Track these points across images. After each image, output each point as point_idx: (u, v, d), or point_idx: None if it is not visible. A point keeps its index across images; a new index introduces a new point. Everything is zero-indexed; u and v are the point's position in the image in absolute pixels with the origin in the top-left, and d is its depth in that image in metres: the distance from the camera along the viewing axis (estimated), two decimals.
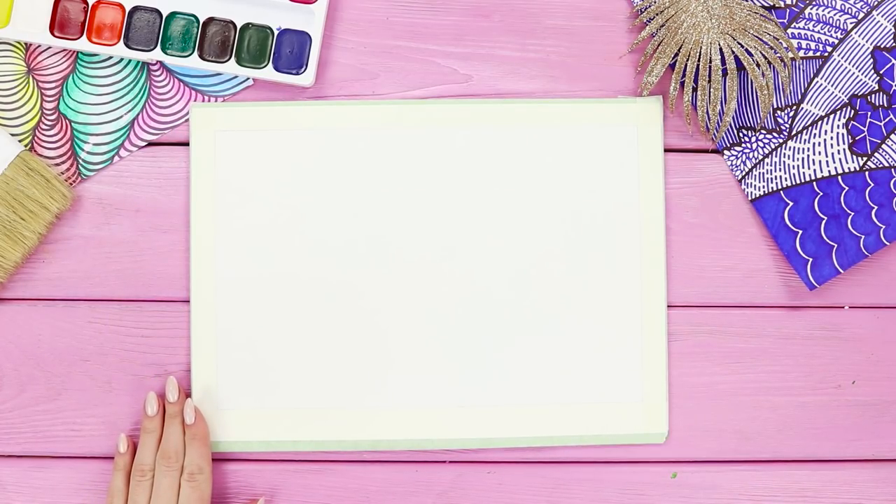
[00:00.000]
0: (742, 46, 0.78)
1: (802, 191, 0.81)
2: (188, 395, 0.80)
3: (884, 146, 0.81)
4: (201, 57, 0.80)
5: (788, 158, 0.81)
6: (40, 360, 0.80)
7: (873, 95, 0.81)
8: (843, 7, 0.82)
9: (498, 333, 0.80)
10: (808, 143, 0.81)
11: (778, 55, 0.79)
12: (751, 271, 0.82)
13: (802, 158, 0.81)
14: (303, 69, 0.80)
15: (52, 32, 0.80)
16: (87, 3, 0.80)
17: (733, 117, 0.82)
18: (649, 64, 0.79)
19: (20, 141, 0.80)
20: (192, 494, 0.76)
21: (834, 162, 0.81)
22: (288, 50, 0.80)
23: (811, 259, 0.80)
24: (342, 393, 0.80)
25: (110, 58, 0.81)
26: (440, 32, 0.82)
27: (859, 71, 0.81)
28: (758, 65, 0.78)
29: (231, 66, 0.80)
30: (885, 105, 0.81)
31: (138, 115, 0.81)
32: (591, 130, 0.81)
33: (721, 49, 0.78)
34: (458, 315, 0.80)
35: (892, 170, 0.81)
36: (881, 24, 0.81)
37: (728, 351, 0.82)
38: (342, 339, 0.80)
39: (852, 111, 0.81)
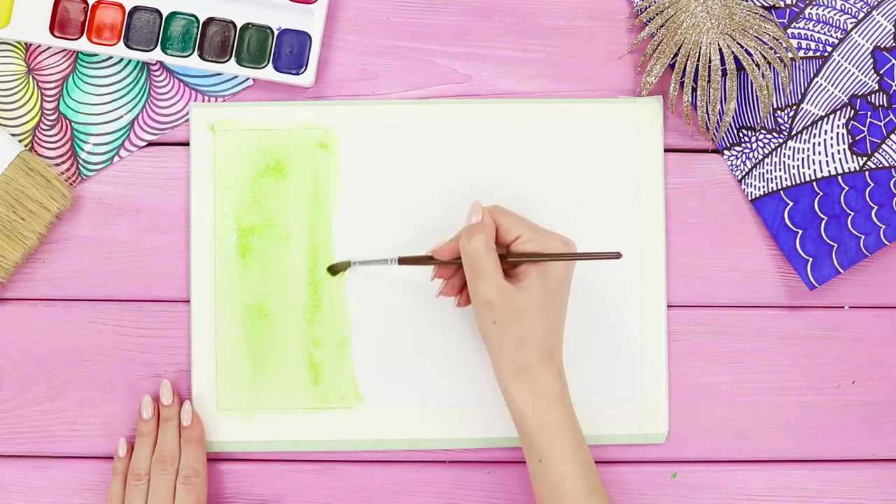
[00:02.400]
0: (742, 47, 0.78)
1: (802, 191, 0.81)
2: (187, 396, 0.80)
3: (884, 146, 0.81)
4: (201, 57, 0.80)
5: (788, 158, 0.81)
6: (40, 360, 0.80)
7: (873, 95, 0.81)
8: (843, 7, 0.82)
9: None
10: (808, 143, 0.81)
11: (777, 55, 0.79)
12: (751, 271, 0.82)
13: (802, 158, 0.81)
14: (303, 69, 0.80)
15: (52, 32, 0.80)
16: (87, 3, 0.80)
17: (733, 117, 0.82)
18: (649, 64, 0.79)
19: (20, 141, 0.80)
20: (188, 498, 0.76)
21: (834, 162, 0.81)
22: (288, 50, 0.80)
23: (811, 259, 0.80)
24: (343, 393, 0.80)
25: (110, 58, 0.81)
26: (440, 32, 0.82)
27: (859, 71, 0.81)
28: (757, 65, 0.78)
29: (231, 66, 0.80)
30: (885, 105, 0.81)
31: (138, 115, 0.81)
32: (591, 130, 0.81)
33: (721, 49, 0.78)
34: (458, 314, 0.80)
35: (892, 170, 0.81)
36: (881, 24, 0.82)
37: (728, 351, 0.82)
38: (341, 339, 0.80)
39: (852, 111, 0.81)
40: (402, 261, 0.76)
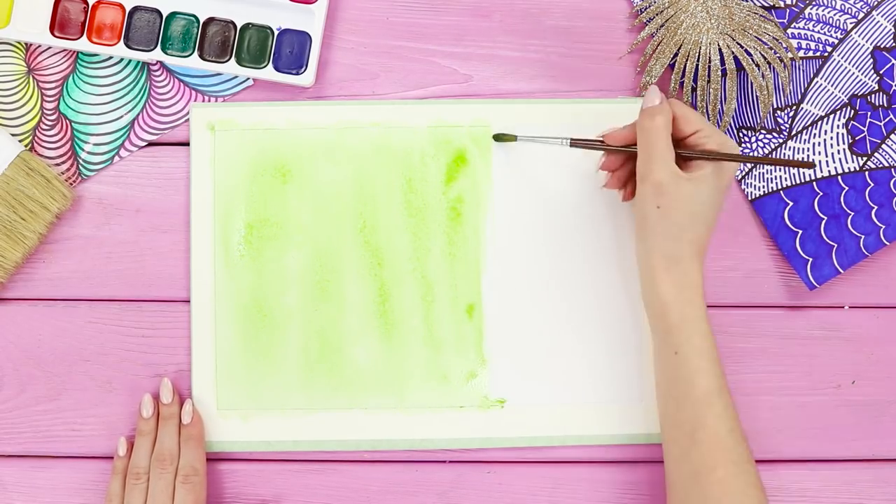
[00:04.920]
0: (741, 47, 0.78)
1: (802, 191, 0.81)
2: (187, 396, 0.80)
3: (884, 146, 0.81)
4: (201, 57, 0.80)
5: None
6: (40, 360, 0.80)
7: (873, 95, 0.81)
8: (843, 7, 0.82)
9: (497, 333, 0.80)
10: (808, 143, 0.81)
11: (777, 55, 0.79)
12: (751, 271, 0.82)
13: (802, 158, 0.81)
14: (303, 69, 0.80)
15: (52, 32, 0.80)
16: (87, 3, 0.80)
17: (733, 117, 0.82)
18: (649, 64, 0.80)
19: (20, 141, 0.80)
20: (187, 497, 0.76)
21: (834, 162, 0.81)
22: (288, 50, 0.80)
23: (811, 259, 0.80)
24: (343, 392, 0.80)
25: (110, 58, 0.81)
26: (440, 32, 0.82)
27: (859, 71, 0.81)
28: (757, 65, 0.78)
29: (231, 66, 0.80)
30: (885, 105, 0.81)
31: (138, 115, 0.81)
32: (591, 130, 0.81)
33: (720, 49, 0.78)
34: (457, 314, 0.80)
35: (892, 170, 0.81)
36: (881, 24, 0.82)
37: (728, 351, 0.82)
38: (341, 339, 0.80)
39: (852, 111, 0.81)
40: (574, 143, 0.76)
